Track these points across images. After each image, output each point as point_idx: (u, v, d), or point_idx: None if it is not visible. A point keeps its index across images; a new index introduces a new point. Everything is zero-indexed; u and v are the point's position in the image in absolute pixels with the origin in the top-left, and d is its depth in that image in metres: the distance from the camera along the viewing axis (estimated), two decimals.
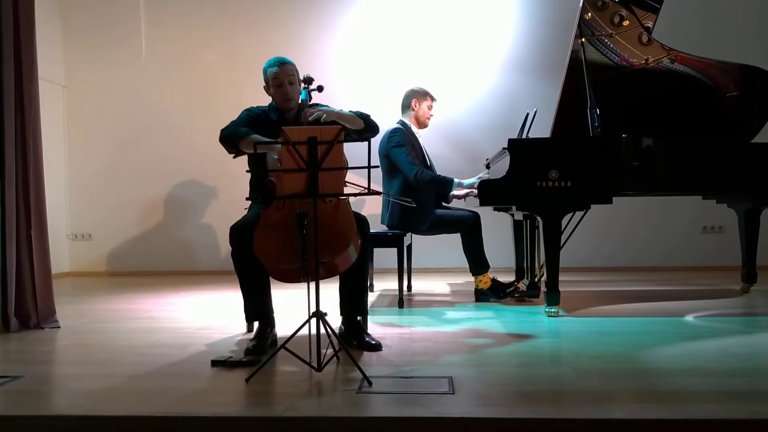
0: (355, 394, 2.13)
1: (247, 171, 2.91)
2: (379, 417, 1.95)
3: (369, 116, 3.00)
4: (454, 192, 4.15)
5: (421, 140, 4.38)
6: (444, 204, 4.34)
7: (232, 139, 2.91)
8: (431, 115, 4.42)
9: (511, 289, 4.15)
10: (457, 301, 4.21)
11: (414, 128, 4.35)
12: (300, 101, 3.00)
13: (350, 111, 2.96)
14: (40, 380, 2.42)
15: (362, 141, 2.79)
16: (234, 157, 3.00)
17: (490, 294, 4.12)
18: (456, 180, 4.14)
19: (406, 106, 4.38)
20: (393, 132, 4.22)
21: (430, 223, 4.18)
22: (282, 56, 3.05)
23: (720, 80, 4.07)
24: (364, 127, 2.90)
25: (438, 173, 4.26)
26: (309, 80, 2.97)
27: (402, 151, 4.13)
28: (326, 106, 3.03)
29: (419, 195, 4.09)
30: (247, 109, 3.11)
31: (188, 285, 5.26)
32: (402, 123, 4.32)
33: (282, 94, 3.00)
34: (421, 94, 4.35)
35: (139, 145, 6.22)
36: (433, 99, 4.39)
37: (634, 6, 3.87)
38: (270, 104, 3.11)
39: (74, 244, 6.30)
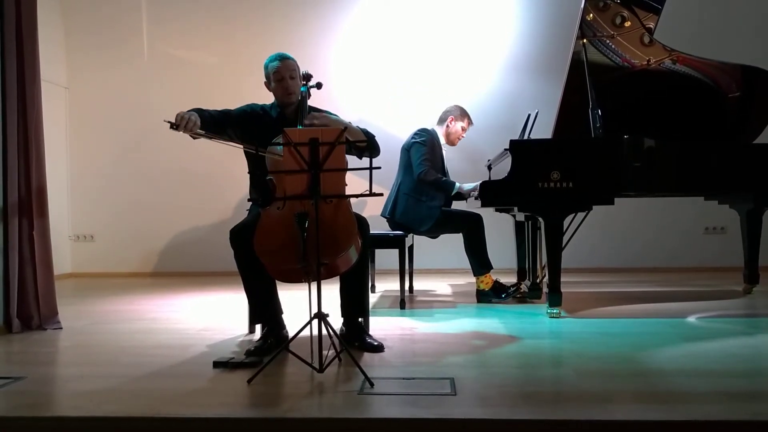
0: (357, 395, 2.13)
1: (249, 172, 2.92)
2: (380, 418, 1.95)
3: (374, 137, 2.95)
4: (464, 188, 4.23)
5: (444, 153, 4.42)
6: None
7: None
8: (462, 137, 4.48)
9: (512, 289, 4.15)
10: (458, 302, 4.21)
11: (442, 140, 4.40)
12: (300, 97, 3.00)
13: (358, 127, 2.95)
14: (42, 381, 2.43)
15: (360, 158, 2.79)
16: (194, 138, 2.81)
17: (492, 295, 4.12)
18: (457, 184, 4.18)
19: (442, 120, 4.44)
20: (421, 130, 4.31)
21: (430, 227, 4.20)
22: (283, 52, 3.06)
23: (721, 81, 4.06)
24: (366, 145, 2.82)
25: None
26: (308, 77, 3.00)
27: (420, 149, 4.21)
28: (335, 115, 3.03)
29: (431, 197, 4.21)
30: (247, 104, 3.12)
31: (190, 286, 5.27)
32: (433, 130, 4.39)
33: (283, 88, 3.01)
34: (459, 115, 4.41)
35: (141, 145, 6.22)
36: (470, 122, 4.47)
37: (636, 7, 3.87)
38: (272, 103, 3.12)
39: (76, 245, 6.31)
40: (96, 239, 6.29)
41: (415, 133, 4.29)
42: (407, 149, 4.29)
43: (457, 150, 5.79)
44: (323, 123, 2.84)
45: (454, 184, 4.18)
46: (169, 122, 2.62)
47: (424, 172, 4.14)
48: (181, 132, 2.65)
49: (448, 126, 4.40)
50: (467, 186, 4.21)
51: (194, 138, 2.74)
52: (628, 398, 2.11)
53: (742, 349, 2.82)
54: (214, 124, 2.88)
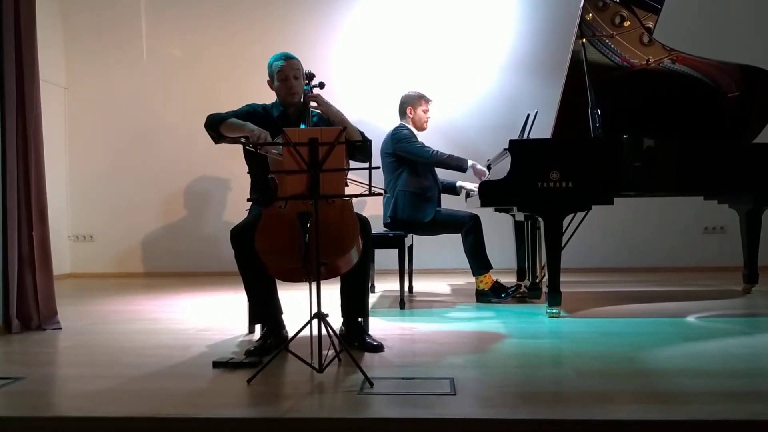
0: (357, 395, 2.13)
1: (248, 172, 2.92)
2: (380, 418, 1.95)
3: (371, 141, 2.83)
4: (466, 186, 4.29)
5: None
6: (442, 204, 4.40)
7: (214, 123, 2.88)
8: (428, 118, 4.48)
9: (512, 289, 4.14)
10: (458, 302, 4.21)
11: (414, 131, 4.41)
12: (303, 96, 3.02)
13: (357, 129, 2.93)
14: (42, 381, 2.42)
15: (351, 158, 2.79)
16: (216, 143, 2.94)
17: (491, 294, 4.12)
18: (470, 162, 4.24)
19: (402, 114, 4.44)
20: (396, 130, 4.33)
21: (435, 216, 4.22)
22: (287, 51, 3.06)
23: (721, 80, 4.07)
24: (359, 146, 2.81)
25: (438, 175, 4.37)
26: (311, 76, 3.02)
27: (411, 140, 4.26)
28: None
29: (424, 188, 4.26)
30: (248, 105, 3.12)
31: (190, 286, 5.27)
32: (402, 125, 4.40)
33: (286, 88, 3.01)
34: (415, 100, 4.40)
35: (140, 146, 6.22)
36: (427, 101, 4.44)
37: (635, 6, 3.87)
38: (274, 102, 3.12)
39: (76, 246, 6.31)
40: (95, 239, 6.29)
41: (393, 134, 4.31)
42: (390, 153, 4.30)
43: (457, 150, 5.78)
44: (325, 111, 2.92)
45: (466, 161, 4.23)
46: (244, 138, 2.68)
47: (433, 152, 4.20)
48: (258, 150, 2.66)
49: (410, 116, 4.40)
50: (479, 166, 4.26)
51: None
52: (628, 398, 2.11)
53: (742, 348, 2.82)
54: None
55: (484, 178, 4.12)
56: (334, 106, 2.97)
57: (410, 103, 4.40)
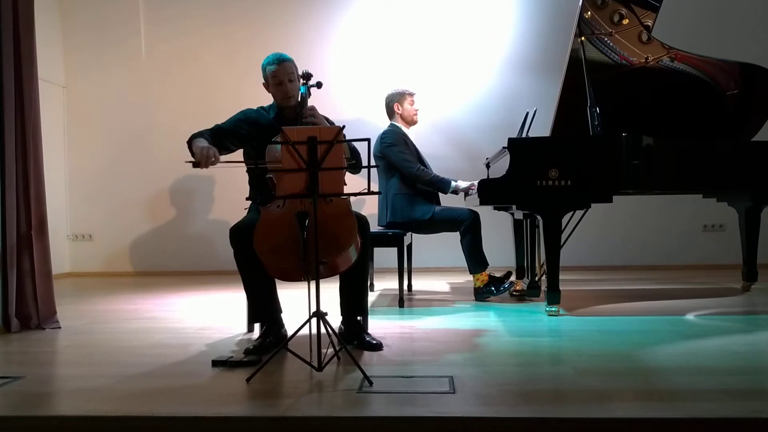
0: (356, 394, 2.13)
1: (247, 171, 2.92)
2: (379, 417, 1.95)
3: (359, 155, 2.89)
4: (460, 186, 4.28)
5: (412, 138, 4.45)
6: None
7: (189, 147, 2.81)
8: (417, 110, 4.48)
9: (508, 282, 4.14)
10: (457, 300, 4.21)
11: (404, 129, 4.42)
12: (300, 97, 2.97)
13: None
14: (41, 381, 2.42)
15: None
16: (193, 166, 2.72)
17: (489, 291, 4.11)
18: (453, 183, 4.21)
19: (390, 113, 4.46)
20: (385, 133, 4.35)
21: (433, 215, 4.22)
22: (280, 52, 3.01)
23: (720, 78, 4.06)
24: (349, 156, 2.77)
25: (435, 172, 4.36)
26: (308, 76, 2.95)
27: (397, 150, 4.27)
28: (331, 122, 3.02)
29: (418, 189, 4.29)
30: (240, 112, 3.09)
31: (189, 285, 5.26)
32: (392, 125, 4.42)
33: (282, 92, 2.99)
34: (399, 96, 4.42)
35: (139, 145, 6.22)
36: (411, 94, 4.45)
37: (634, 5, 3.86)
38: (271, 104, 3.11)
39: (75, 245, 6.30)
40: (94, 238, 6.28)
41: (381, 140, 4.32)
42: (380, 156, 4.31)
43: (455, 148, 5.82)
44: (321, 121, 2.88)
45: (449, 183, 4.23)
46: (190, 162, 2.66)
47: (416, 170, 4.22)
48: (202, 168, 2.66)
49: (399, 113, 4.40)
50: (463, 184, 4.24)
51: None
52: (627, 396, 2.11)
53: (741, 346, 2.82)
54: (215, 143, 2.87)
55: (472, 191, 4.14)
56: (325, 122, 2.94)
57: (395, 100, 4.41)
